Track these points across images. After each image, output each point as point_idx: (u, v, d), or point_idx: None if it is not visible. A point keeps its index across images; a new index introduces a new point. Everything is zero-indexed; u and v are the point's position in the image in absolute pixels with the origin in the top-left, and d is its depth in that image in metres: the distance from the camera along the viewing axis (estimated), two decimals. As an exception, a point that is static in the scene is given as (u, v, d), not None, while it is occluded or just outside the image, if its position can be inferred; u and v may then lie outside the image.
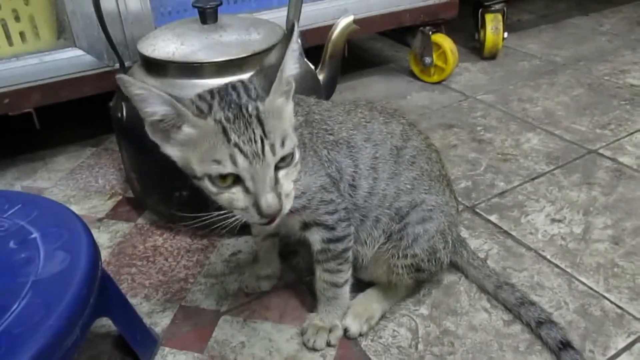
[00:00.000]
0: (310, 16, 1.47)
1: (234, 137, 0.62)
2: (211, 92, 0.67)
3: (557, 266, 1.03)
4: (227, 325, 0.94)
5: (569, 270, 1.02)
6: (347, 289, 0.89)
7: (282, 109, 0.67)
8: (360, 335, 0.91)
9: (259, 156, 0.63)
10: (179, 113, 0.64)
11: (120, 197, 1.28)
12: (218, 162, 0.63)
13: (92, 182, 1.35)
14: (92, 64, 1.27)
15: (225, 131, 0.63)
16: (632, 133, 1.43)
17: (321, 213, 0.79)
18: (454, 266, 1.01)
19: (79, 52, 1.25)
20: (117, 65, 1.08)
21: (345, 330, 0.90)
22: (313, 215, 0.79)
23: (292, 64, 0.66)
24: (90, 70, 1.27)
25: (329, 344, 0.89)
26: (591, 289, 0.98)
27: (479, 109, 1.60)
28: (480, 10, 1.84)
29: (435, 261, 0.90)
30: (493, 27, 1.83)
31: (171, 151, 0.68)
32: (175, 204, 1.09)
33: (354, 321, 0.90)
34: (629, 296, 0.96)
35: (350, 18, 1.24)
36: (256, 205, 0.65)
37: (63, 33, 1.26)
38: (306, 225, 0.82)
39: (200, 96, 0.67)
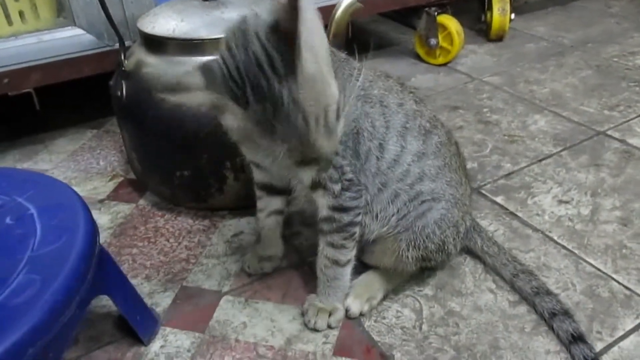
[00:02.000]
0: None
1: (280, 129, 0.62)
2: (239, 72, 0.62)
3: (564, 247, 1.01)
4: (229, 305, 0.93)
5: (576, 251, 1.00)
6: (348, 270, 0.87)
7: (324, 74, 0.62)
8: (362, 315, 0.89)
9: (310, 133, 0.63)
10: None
11: (122, 178, 1.27)
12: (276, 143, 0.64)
13: (93, 163, 1.33)
14: (92, 43, 1.25)
15: (269, 126, 0.62)
16: (641, 114, 1.41)
17: (327, 176, 0.77)
18: (470, 252, 1.00)
19: (79, 31, 1.24)
20: (117, 45, 1.06)
21: (347, 310, 0.89)
22: (316, 174, 0.77)
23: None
24: (91, 49, 1.25)
25: (329, 326, 0.87)
26: (599, 270, 0.96)
27: (485, 91, 1.57)
28: (487, -9, 1.81)
29: (443, 252, 0.88)
30: (500, 9, 1.80)
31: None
32: (176, 184, 1.08)
33: (354, 301, 0.89)
34: (637, 277, 0.94)
35: (354, -4, 1.21)
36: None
37: (62, 12, 1.24)
38: (315, 185, 0.79)
39: (232, 77, 0.62)
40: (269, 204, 0.94)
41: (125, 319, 0.84)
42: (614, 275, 0.95)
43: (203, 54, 1.00)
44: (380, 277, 0.92)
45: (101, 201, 1.20)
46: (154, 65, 1.03)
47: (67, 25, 1.24)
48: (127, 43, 1.17)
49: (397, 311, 0.91)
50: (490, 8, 1.82)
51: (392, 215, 0.84)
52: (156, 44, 1.03)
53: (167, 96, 0.64)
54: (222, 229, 1.10)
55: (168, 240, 1.08)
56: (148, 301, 0.93)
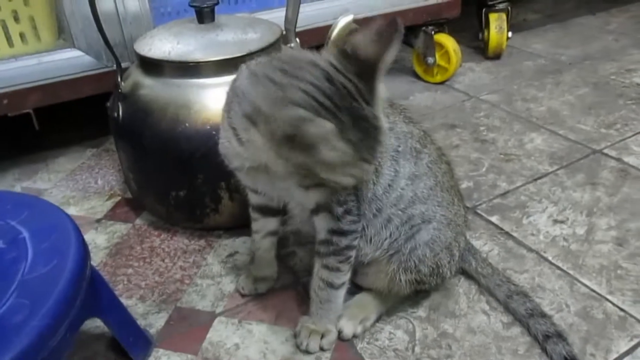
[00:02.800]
0: (310, 16, 1.46)
1: (364, 154, 0.64)
2: (330, 98, 0.62)
3: (558, 268, 1.01)
4: (222, 326, 0.93)
5: (571, 272, 1.00)
6: (342, 293, 0.87)
7: (382, 103, 0.67)
8: (355, 336, 0.89)
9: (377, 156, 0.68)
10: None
11: (119, 198, 1.28)
12: (347, 174, 0.66)
13: (91, 183, 1.34)
14: (91, 64, 1.27)
15: (358, 150, 0.64)
16: (638, 133, 1.41)
17: (333, 199, 0.77)
18: (464, 273, 1.00)
19: (78, 52, 1.25)
20: (115, 66, 1.07)
21: (339, 332, 0.89)
22: (326, 197, 0.77)
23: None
24: (89, 70, 1.27)
25: (322, 349, 0.87)
26: (593, 291, 0.96)
27: (482, 109, 1.58)
28: (484, 10, 1.83)
29: (437, 275, 0.88)
30: (497, 27, 1.82)
31: None
32: (172, 204, 1.08)
33: (348, 322, 0.89)
34: (632, 299, 0.94)
35: (350, 17, 1.22)
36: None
37: (62, 34, 1.26)
38: (317, 209, 0.79)
39: (325, 108, 0.62)
40: (264, 226, 0.94)
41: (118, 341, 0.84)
42: (608, 297, 0.94)
43: (199, 76, 1.02)
44: (373, 299, 0.92)
45: (98, 220, 1.21)
46: (151, 87, 1.04)
47: (66, 47, 1.26)
48: (125, 64, 1.19)
49: (390, 333, 0.90)
50: (487, 26, 1.83)
51: (385, 240, 0.84)
52: (152, 66, 1.04)
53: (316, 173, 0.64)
54: (217, 249, 1.11)
55: (163, 261, 1.08)
56: (142, 322, 0.93)
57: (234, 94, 0.72)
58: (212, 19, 1.08)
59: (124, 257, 1.10)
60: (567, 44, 1.97)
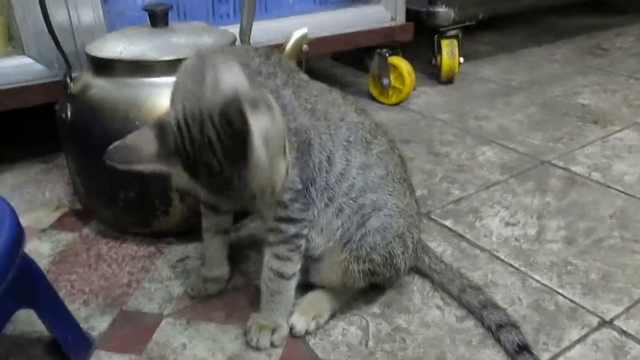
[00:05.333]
0: (266, 33, 1.48)
1: (224, 203, 0.77)
2: (193, 148, 0.65)
3: (510, 265, 1.02)
4: (169, 327, 0.89)
5: (522, 269, 1.01)
6: (293, 284, 0.85)
7: (274, 152, 0.65)
8: (307, 333, 0.87)
9: (249, 205, 0.78)
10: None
11: (67, 209, 1.23)
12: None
13: (38, 195, 1.30)
14: (41, 72, 1.24)
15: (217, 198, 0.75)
16: (583, 146, 1.46)
17: None
18: (419, 272, 0.99)
19: (28, 60, 1.23)
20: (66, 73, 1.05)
21: (291, 328, 0.86)
22: None
23: None
24: (40, 79, 1.24)
25: (272, 345, 0.84)
26: (545, 285, 0.96)
27: (436, 126, 1.62)
28: (436, 36, 1.89)
29: (391, 266, 0.87)
30: (449, 52, 1.88)
31: None
32: (120, 206, 1.05)
33: (300, 318, 0.86)
34: (582, 291, 0.95)
35: (304, 31, 1.25)
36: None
37: (12, 40, 1.24)
38: None
39: (186, 151, 0.65)
40: (215, 223, 0.92)
41: (57, 341, 0.79)
42: (559, 290, 0.95)
43: (151, 75, 1.01)
44: (327, 296, 0.90)
45: (43, 230, 1.16)
46: (101, 87, 1.03)
47: (16, 54, 1.23)
48: (76, 74, 1.17)
49: (343, 329, 0.88)
50: (440, 51, 1.90)
51: (337, 229, 0.83)
52: (104, 66, 1.03)
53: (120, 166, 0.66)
54: (167, 255, 1.07)
55: (110, 266, 1.04)
56: (84, 325, 0.88)
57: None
58: (166, 23, 1.09)
59: (69, 264, 1.05)
60: (516, 71, 2.06)
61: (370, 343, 0.85)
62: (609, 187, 1.26)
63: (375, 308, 0.92)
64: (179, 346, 0.85)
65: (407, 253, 0.88)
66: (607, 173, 1.32)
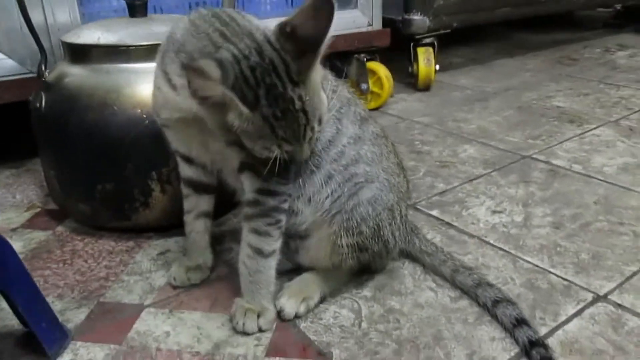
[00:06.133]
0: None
1: (281, 133, 0.65)
2: (253, 70, 0.63)
3: (500, 249, 1.00)
4: (151, 317, 0.84)
5: (512, 251, 0.99)
6: (273, 263, 0.80)
7: (319, 84, 0.68)
8: (297, 317, 0.83)
9: (301, 139, 0.67)
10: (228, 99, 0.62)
11: (39, 209, 1.18)
12: (265, 148, 0.67)
13: (8, 197, 1.24)
14: (13, 68, 1.20)
15: (273, 128, 0.65)
16: (562, 142, 1.48)
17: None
18: (408, 256, 0.97)
19: (0, 55, 1.19)
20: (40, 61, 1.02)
21: (280, 311, 0.82)
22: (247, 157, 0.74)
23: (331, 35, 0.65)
24: (12, 75, 1.21)
25: (260, 329, 0.80)
26: (536, 266, 0.95)
27: (416, 128, 1.62)
28: (412, 44, 1.92)
29: (379, 238, 0.84)
30: (425, 59, 1.90)
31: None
32: (98, 199, 1.01)
33: (289, 300, 0.83)
34: (574, 270, 0.93)
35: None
36: (289, 154, 0.69)
37: (-17, 35, 1.20)
38: (243, 166, 0.76)
39: (245, 78, 0.63)
40: (197, 204, 0.89)
41: (30, 330, 0.74)
42: (551, 270, 0.94)
43: (129, 61, 0.98)
44: (317, 277, 0.87)
45: (14, 230, 1.10)
46: (78, 74, 1.00)
47: (-13, 50, 1.20)
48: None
49: (335, 312, 0.85)
50: (416, 59, 1.92)
51: (326, 198, 0.80)
52: (80, 53, 1.00)
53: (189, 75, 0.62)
54: (147, 249, 1.03)
55: (86, 262, 0.99)
56: (59, 318, 0.83)
57: (170, 40, 0.72)
58: (145, 14, 1.07)
59: (42, 261, 0.99)
60: (491, 79, 2.09)
61: (364, 324, 0.82)
62: (590, 176, 1.27)
63: (367, 292, 0.89)
64: (161, 334, 0.80)
65: (395, 224, 0.86)
66: (587, 165, 1.33)
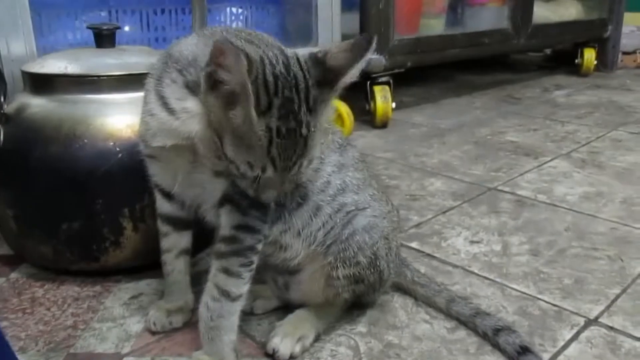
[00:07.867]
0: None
1: (274, 152, 0.62)
2: (276, 78, 0.61)
3: (486, 278, 1.00)
4: (131, 366, 0.77)
5: (498, 280, 0.99)
6: (238, 309, 0.74)
7: (324, 124, 0.67)
8: (292, 357, 0.78)
9: (287, 170, 0.64)
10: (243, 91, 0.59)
11: (-11, 256, 1.07)
12: (248, 162, 0.63)
13: (-50, 244, 1.12)
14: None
15: (270, 143, 0.61)
16: (522, 173, 1.52)
17: (236, 190, 0.70)
18: (398, 289, 0.94)
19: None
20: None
21: (274, 353, 0.77)
22: (230, 188, 0.71)
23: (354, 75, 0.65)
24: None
25: None
26: (524, 293, 0.95)
27: (380, 164, 1.62)
28: (368, 83, 1.95)
29: (375, 268, 0.81)
30: (382, 97, 1.94)
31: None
32: (62, 240, 0.92)
33: (283, 340, 0.78)
34: (560, 295, 0.94)
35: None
36: (257, 191, 0.66)
37: None
38: (223, 200, 0.72)
39: (266, 82, 0.60)
40: (177, 242, 0.83)
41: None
42: (539, 296, 0.94)
43: (100, 92, 0.93)
44: (310, 314, 0.82)
45: (-40, 278, 0.99)
46: (41, 105, 0.93)
47: None
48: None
49: (332, 350, 0.80)
50: (373, 97, 1.95)
51: (318, 230, 0.77)
52: (44, 83, 0.94)
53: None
54: (117, 293, 0.95)
55: (49, 310, 0.90)
56: (23, 374, 0.74)
57: (170, 62, 0.69)
58: (113, 45, 1.02)
59: (-4, 311, 0.89)
60: (443, 116, 2.15)
61: (364, 361, 0.78)
62: (556, 205, 1.31)
63: (361, 327, 0.86)
64: (146, 385, 0.73)
65: (390, 256, 0.83)
66: (550, 195, 1.37)
